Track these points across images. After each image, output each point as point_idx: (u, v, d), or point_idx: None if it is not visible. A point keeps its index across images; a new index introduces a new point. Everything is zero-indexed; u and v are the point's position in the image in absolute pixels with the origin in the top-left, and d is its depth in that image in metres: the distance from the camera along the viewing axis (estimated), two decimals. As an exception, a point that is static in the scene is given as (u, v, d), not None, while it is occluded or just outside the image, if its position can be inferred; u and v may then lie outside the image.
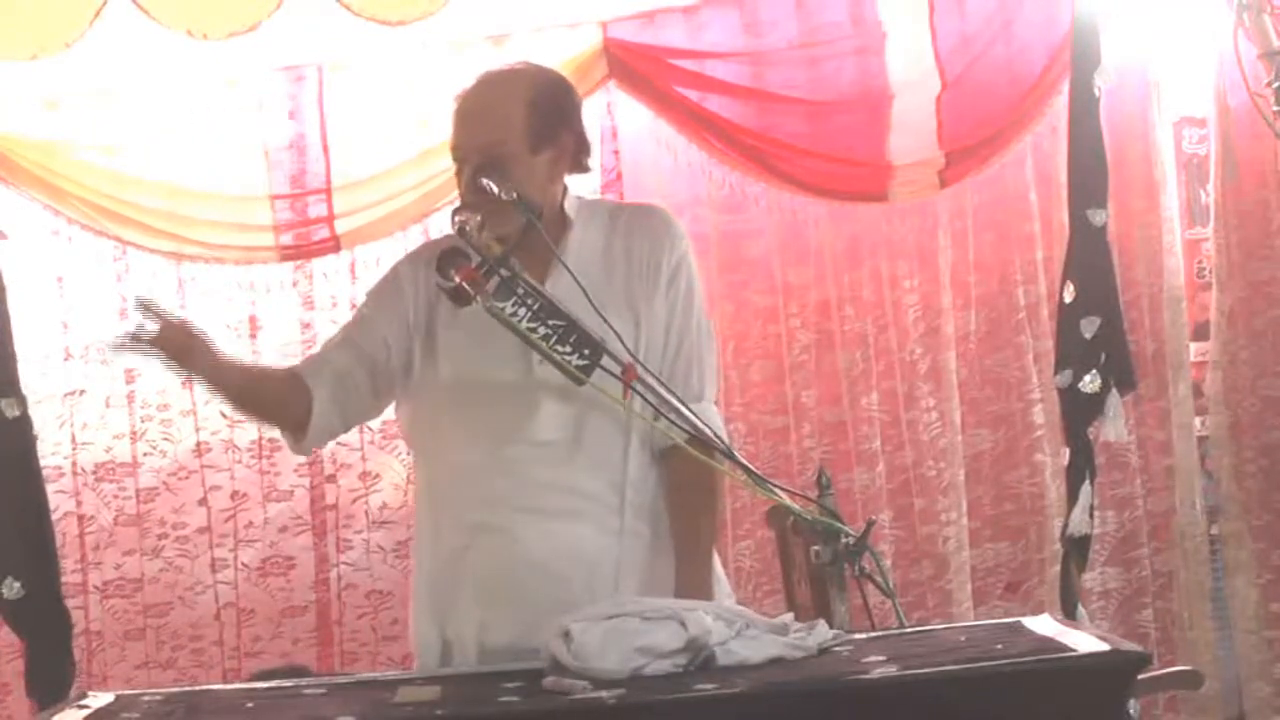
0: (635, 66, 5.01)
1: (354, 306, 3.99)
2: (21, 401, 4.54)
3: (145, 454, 5.15)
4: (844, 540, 3.11)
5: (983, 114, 4.95)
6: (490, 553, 3.04)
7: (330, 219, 5.04)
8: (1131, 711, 2.46)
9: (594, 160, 3.29)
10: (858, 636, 2.89)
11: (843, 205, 5.09)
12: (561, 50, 4.90)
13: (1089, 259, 4.54)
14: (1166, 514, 5.09)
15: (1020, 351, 5.11)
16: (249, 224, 5.06)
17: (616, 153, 5.05)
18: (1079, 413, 4.55)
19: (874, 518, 3.62)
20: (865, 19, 5.01)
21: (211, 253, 5.08)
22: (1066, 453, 4.61)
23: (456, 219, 3.03)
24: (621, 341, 2.99)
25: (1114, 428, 4.55)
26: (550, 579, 2.99)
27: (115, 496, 5.15)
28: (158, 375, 4.69)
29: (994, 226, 5.13)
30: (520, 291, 2.95)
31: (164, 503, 5.15)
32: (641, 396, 2.99)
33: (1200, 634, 5.04)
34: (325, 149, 5.06)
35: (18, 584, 4.46)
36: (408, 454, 4.63)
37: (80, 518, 5.13)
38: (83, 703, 2.79)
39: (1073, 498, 4.58)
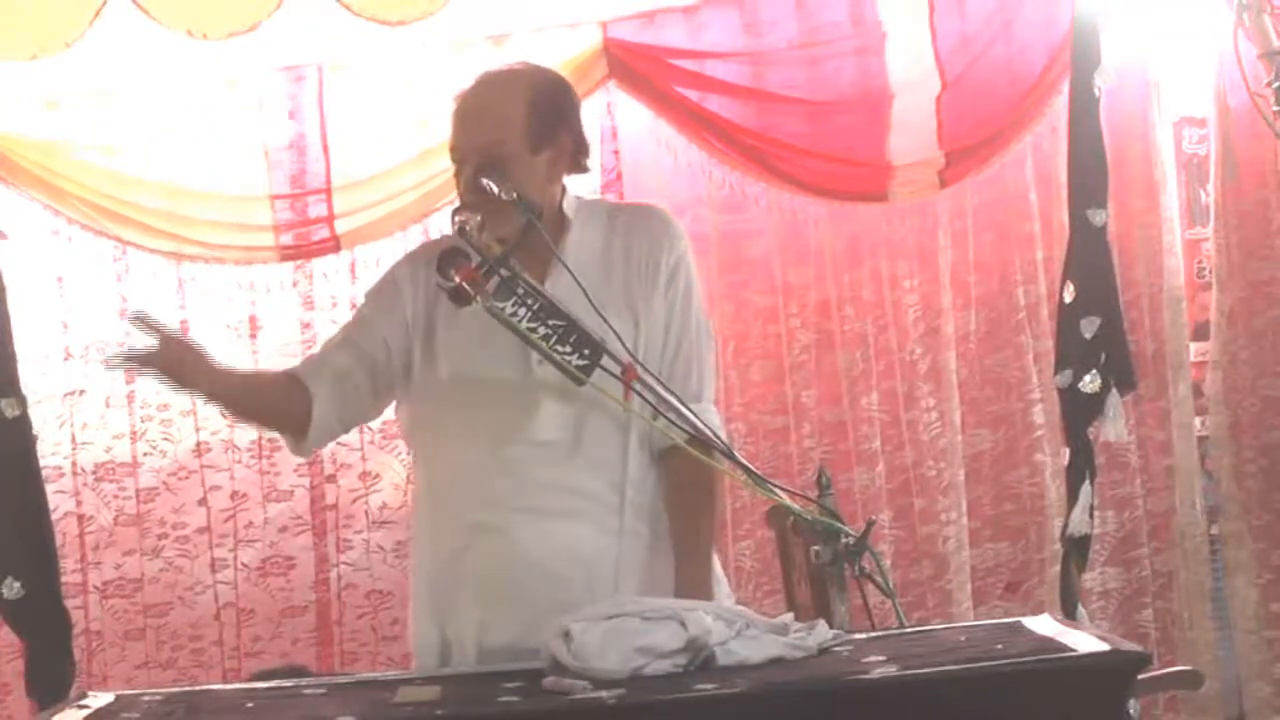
0: (635, 66, 5.01)
1: (354, 306, 3.99)
2: (21, 401, 4.54)
3: (145, 454, 5.15)
4: (844, 540, 3.11)
5: (983, 114, 4.95)
6: (489, 553, 3.03)
7: (330, 219, 5.05)
8: (1131, 711, 2.46)
9: (594, 160, 3.29)
10: (858, 636, 2.89)
11: (843, 205, 5.09)
12: (561, 50, 4.90)
13: (1089, 259, 4.54)
14: (1166, 514, 5.10)
15: (1020, 351, 5.11)
16: (249, 224, 5.06)
17: (616, 153, 5.05)
18: (1079, 413, 4.55)
19: (874, 518, 3.62)
20: (865, 19, 5.01)
21: (211, 253, 5.08)
22: (1066, 453, 4.62)
23: (456, 219, 3.03)
24: (621, 341, 2.99)
25: (1114, 428, 4.55)
26: (549, 579, 2.99)
27: (115, 496, 5.15)
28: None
29: (994, 226, 5.13)
30: (520, 291, 2.95)
31: (164, 503, 5.15)
32: (641, 397, 2.99)
33: (1200, 634, 5.04)
34: (325, 149, 5.06)
35: (18, 584, 4.46)
36: (408, 454, 4.63)
37: (80, 518, 5.13)
38: (83, 703, 2.79)
39: (1073, 498, 4.58)
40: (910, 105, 4.96)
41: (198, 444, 5.13)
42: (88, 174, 5.05)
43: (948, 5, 4.95)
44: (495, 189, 3.01)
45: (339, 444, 4.90)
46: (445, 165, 3.21)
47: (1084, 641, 2.57)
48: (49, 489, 4.73)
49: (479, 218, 3.01)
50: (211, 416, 5.08)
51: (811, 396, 5.12)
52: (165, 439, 5.15)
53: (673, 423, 3.00)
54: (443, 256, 2.98)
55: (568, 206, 3.16)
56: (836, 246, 5.14)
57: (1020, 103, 4.97)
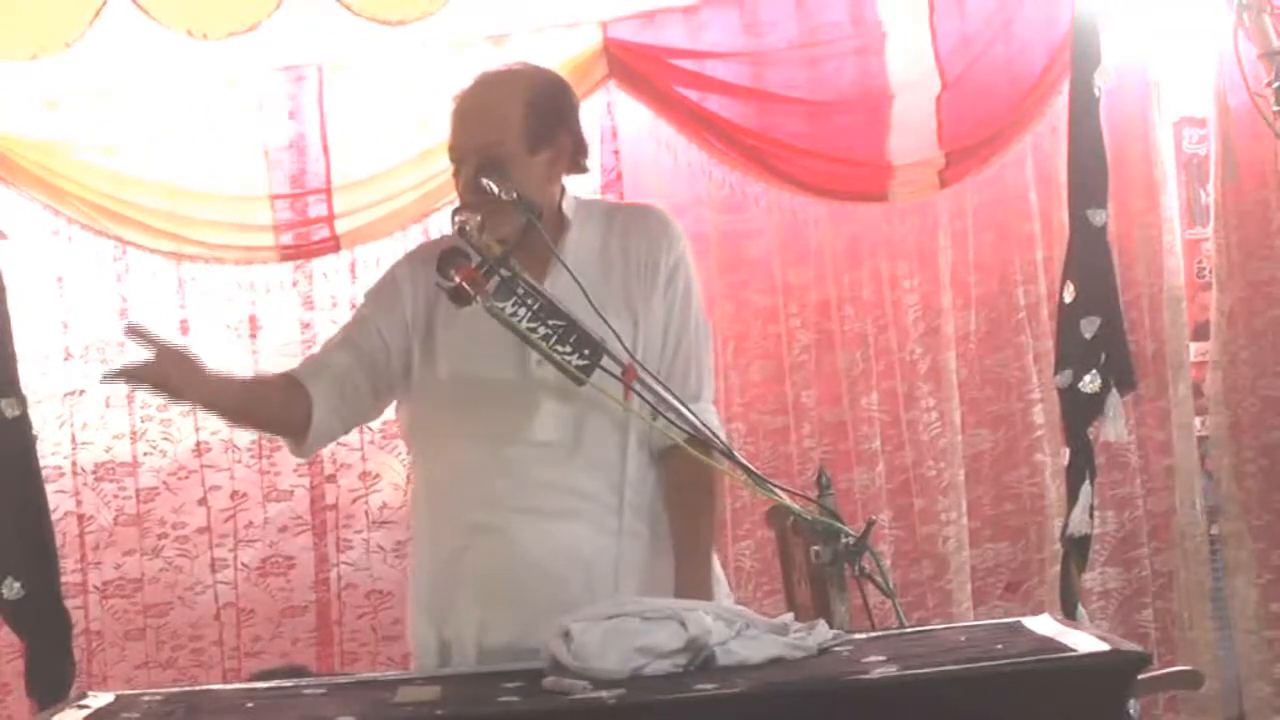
0: (635, 66, 5.01)
1: (354, 306, 3.98)
2: (21, 401, 4.54)
3: (145, 454, 5.15)
4: (844, 540, 3.11)
5: (983, 114, 4.95)
6: (489, 553, 3.03)
7: (330, 219, 5.05)
8: (1131, 711, 2.46)
9: (594, 160, 3.29)
10: (858, 636, 2.89)
11: (843, 205, 5.09)
12: (561, 50, 4.90)
13: (1089, 259, 4.54)
14: (1166, 514, 5.09)
15: (1020, 351, 5.11)
16: (249, 224, 5.06)
17: (616, 153, 5.05)
18: (1079, 413, 4.55)
19: (874, 518, 3.61)
20: (865, 19, 5.01)
21: (211, 253, 5.08)
22: (1066, 453, 4.62)
23: (456, 219, 3.03)
24: (620, 341, 2.99)
25: (1114, 428, 4.55)
26: (549, 579, 2.99)
27: (115, 496, 5.15)
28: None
29: (994, 226, 5.13)
30: (520, 291, 2.95)
31: (164, 503, 5.15)
32: (641, 397, 2.99)
33: (1200, 634, 5.04)
34: (325, 149, 5.06)
35: (18, 584, 4.46)
36: (407, 454, 4.62)
37: (80, 518, 5.13)
38: (83, 703, 2.79)
39: (1073, 498, 4.58)
40: (910, 105, 4.96)
41: (198, 444, 5.13)
42: (88, 174, 5.05)
43: (948, 5, 4.95)
44: (495, 189, 3.01)
45: (339, 444, 4.89)
46: (445, 165, 3.21)
47: (1084, 641, 2.57)
48: (49, 489, 4.74)
49: (479, 218, 3.01)
50: (211, 417, 5.07)
51: (811, 396, 5.12)
52: (165, 439, 5.15)
53: (672, 423, 3.00)
54: (443, 256, 2.98)
55: (567, 207, 3.16)
56: (836, 246, 5.14)
57: (1020, 103, 4.97)
